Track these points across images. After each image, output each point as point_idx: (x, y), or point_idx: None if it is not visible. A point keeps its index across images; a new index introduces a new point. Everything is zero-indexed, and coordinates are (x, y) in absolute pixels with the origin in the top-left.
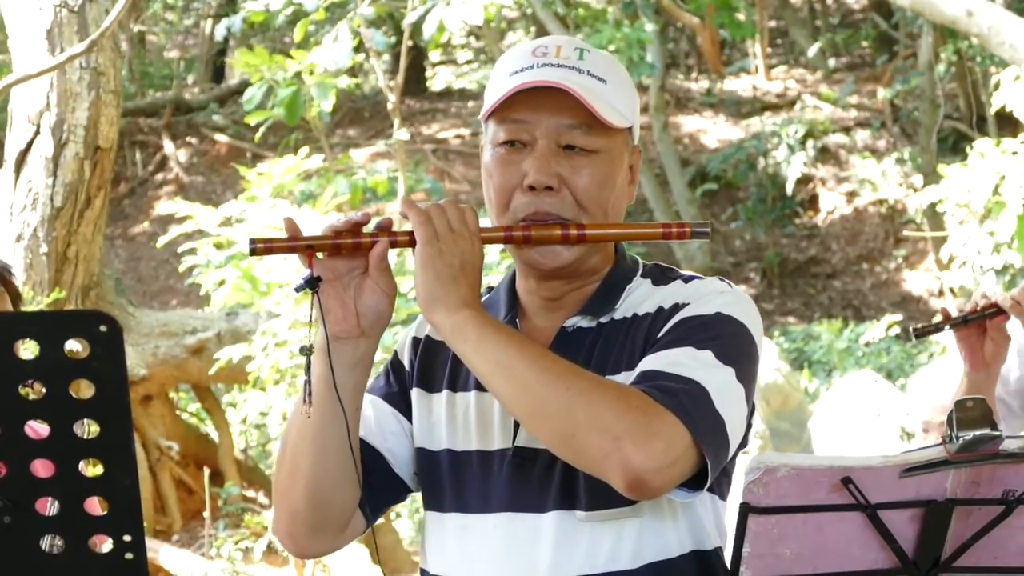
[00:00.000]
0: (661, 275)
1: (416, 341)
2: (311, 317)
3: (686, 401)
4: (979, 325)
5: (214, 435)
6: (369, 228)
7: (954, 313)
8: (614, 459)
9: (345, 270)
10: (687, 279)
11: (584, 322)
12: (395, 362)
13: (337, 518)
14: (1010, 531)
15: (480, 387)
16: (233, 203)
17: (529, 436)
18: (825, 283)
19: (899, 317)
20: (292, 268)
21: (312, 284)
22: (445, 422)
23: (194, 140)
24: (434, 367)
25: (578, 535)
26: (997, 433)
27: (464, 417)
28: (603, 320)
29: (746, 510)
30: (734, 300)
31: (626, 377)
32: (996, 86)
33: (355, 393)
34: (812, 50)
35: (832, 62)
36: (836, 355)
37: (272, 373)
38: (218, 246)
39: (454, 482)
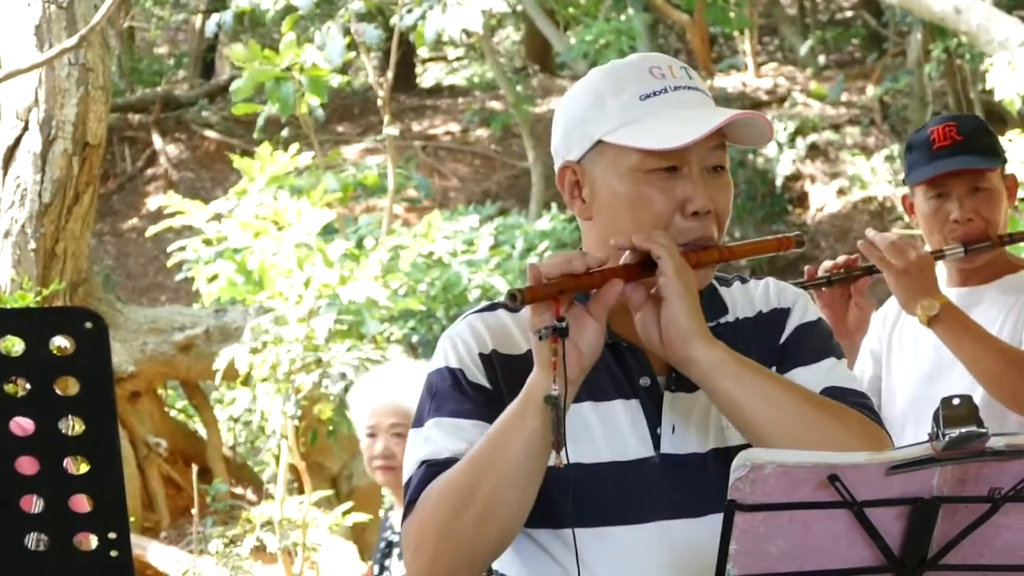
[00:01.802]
0: (719, 278)
1: (486, 358)
2: (556, 366)
3: (879, 417)
4: (843, 290)
5: (203, 432)
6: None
7: (820, 273)
8: None
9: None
10: (742, 279)
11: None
12: (469, 383)
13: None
14: (996, 529)
15: (593, 397)
16: (223, 200)
17: (673, 443)
18: None
19: None
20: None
21: (563, 332)
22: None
23: (183, 136)
24: (521, 382)
25: None
26: (983, 431)
27: (584, 428)
28: (710, 324)
29: (732, 507)
30: (813, 304)
31: None
32: (987, 69)
33: None
34: (803, 48)
35: (822, 59)
36: None
37: (261, 370)
38: (207, 242)
39: (592, 495)
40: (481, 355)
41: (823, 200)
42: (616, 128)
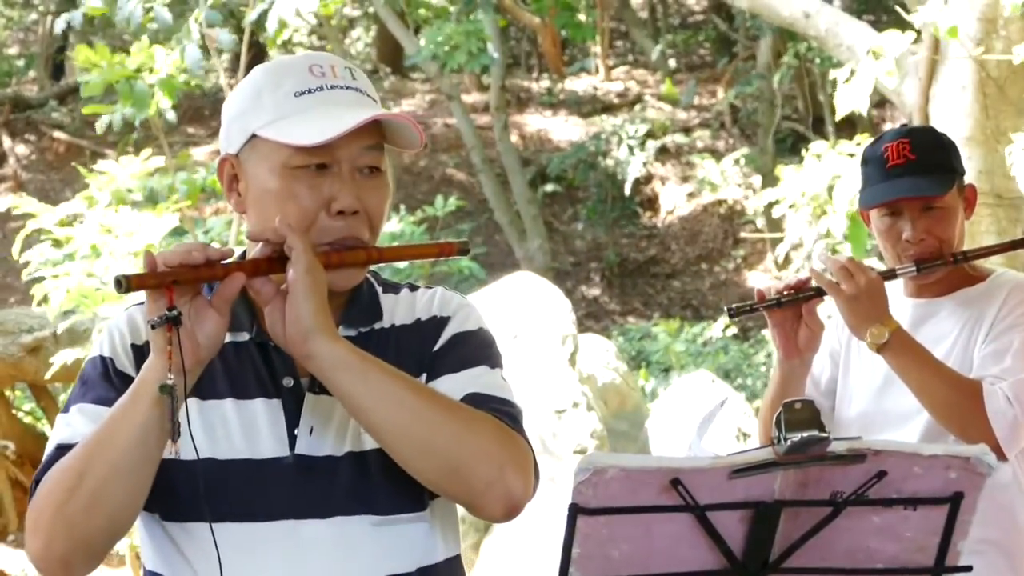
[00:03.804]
0: (387, 284)
1: (138, 349)
2: (170, 353)
3: (521, 424)
4: (794, 310)
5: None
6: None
7: (771, 295)
8: (498, 488)
9: (188, 299)
10: (411, 287)
11: (347, 332)
12: (112, 369)
13: (115, 543)
14: (837, 532)
15: (236, 395)
16: (72, 202)
17: (309, 444)
18: (665, 283)
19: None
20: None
21: (176, 320)
22: (200, 430)
23: (33, 137)
24: None
25: (365, 540)
26: (825, 435)
27: (223, 424)
28: (363, 329)
29: (575, 511)
30: (477, 312)
31: None
32: (833, 84)
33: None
34: (655, 52)
35: (673, 63)
36: (674, 355)
37: None
38: (57, 244)
39: (220, 491)
40: (134, 345)
41: (673, 203)
42: (269, 123)
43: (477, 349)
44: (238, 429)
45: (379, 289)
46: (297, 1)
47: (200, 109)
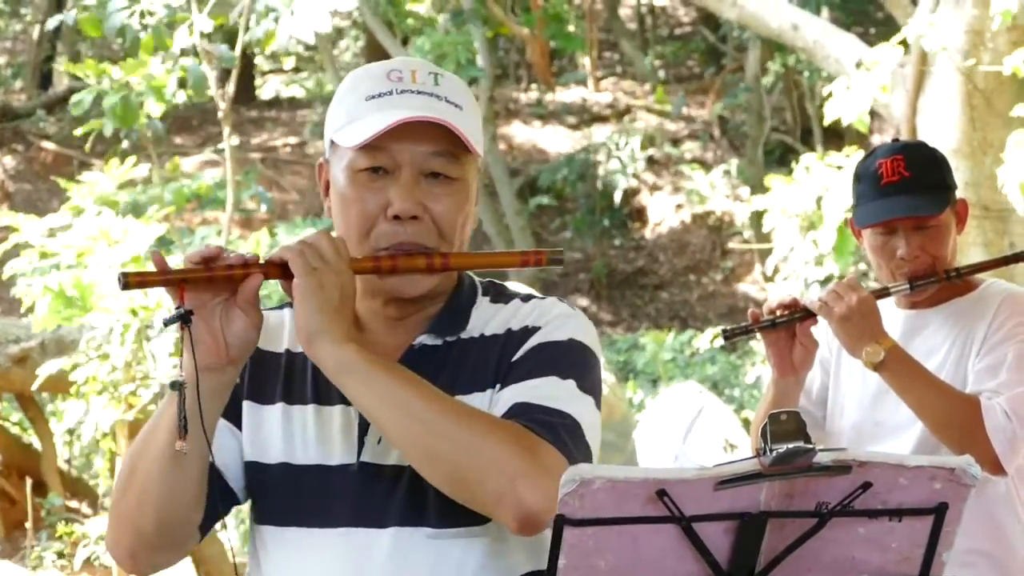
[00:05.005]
0: (498, 293)
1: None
2: (181, 351)
3: (564, 436)
4: (788, 329)
5: (38, 445)
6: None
7: (764, 315)
8: (509, 500)
9: (210, 298)
10: (525, 298)
11: (431, 340)
12: None
13: (181, 538)
14: (823, 543)
15: (319, 401)
16: (57, 214)
17: (375, 452)
18: (653, 294)
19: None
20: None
21: (185, 318)
22: (281, 435)
23: (20, 147)
24: (265, 378)
25: (420, 552)
26: (810, 446)
27: (302, 430)
28: (450, 339)
29: (561, 522)
30: (582, 325)
31: (479, 398)
32: (827, 96)
33: (214, 420)
34: (643, 63)
35: (662, 74)
36: (661, 366)
37: (95, 384)
38: (44, 255)
39: (293, 496)
40: None
41: (662, 214)
42: (341, 127)
43: (554, 359)
44: (314, 435)
45: (483, 298)
46: (310, 23)
47: (188, 120)
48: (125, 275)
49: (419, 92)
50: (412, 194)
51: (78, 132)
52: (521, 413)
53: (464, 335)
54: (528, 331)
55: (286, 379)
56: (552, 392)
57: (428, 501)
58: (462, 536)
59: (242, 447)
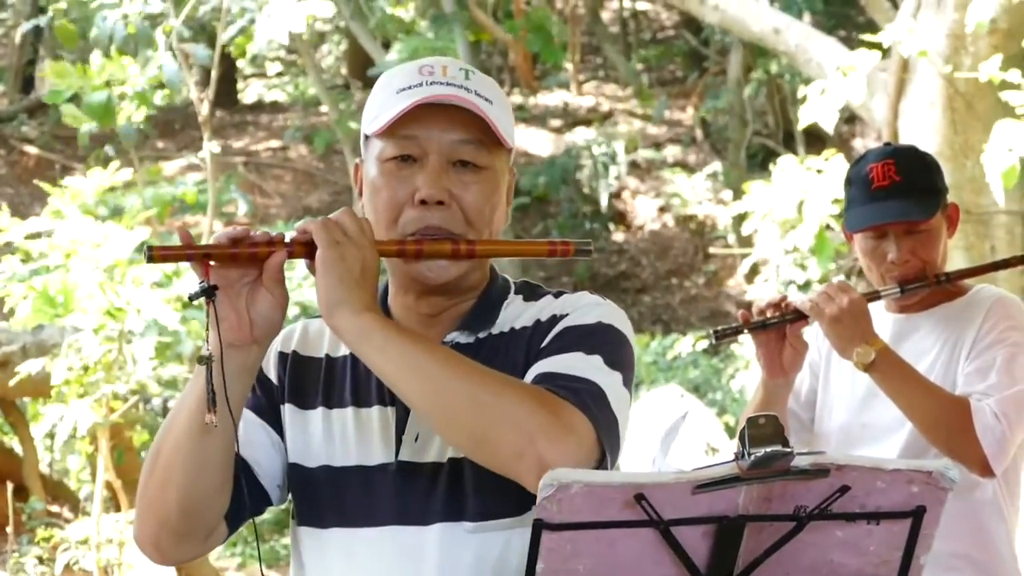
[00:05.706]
0: (531, 292)
1: (283, 356)
2: (207, 325)
3: (588, 399)
4: (779, 331)
5: (19, 449)
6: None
7: (755, 316)
8: (529, 457)
9: (237, 278)
10: (556, 294)
11: (463, 337)
12: (260, 376)
13: (205, 526)
14: (801, 546)
15: (357, 403)
16: (40, 218)
17: (412, 450)
18: (635, 298)
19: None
20: (94, 285)
21: (209, 293)
22: (322, 438)
23: (2, 152)
24: (305, 384)
25: (464, 547)
26: (788, 450)
27: (342, 433)
28: (481, 335)
29: (539, 526)
30: (611, 311)
31: None
32: (803, 100)
33: (240, 400)
34: (626, 67)
35: (644, 78)
36: (643, 368)
37: (76, 387)
38: (27, 258)
39: (334, 498)
40: (281, 352)
41: (644, 218)
42: (372, 120)
43: (581, 338)
44: (354, 437)
45: (516, 296)
46: (285, 23)
47: (170, 123)
48: (150, 248)
49: (448, 84)
50: (439, 180)
51: (66, 119)
52: (543, 380)
53: (495, 331)
54: (556, 319)
55: (326, 383)
56: (576, 364)
57: (466, 496)
58: (502, 528)
59: (277, 447)
